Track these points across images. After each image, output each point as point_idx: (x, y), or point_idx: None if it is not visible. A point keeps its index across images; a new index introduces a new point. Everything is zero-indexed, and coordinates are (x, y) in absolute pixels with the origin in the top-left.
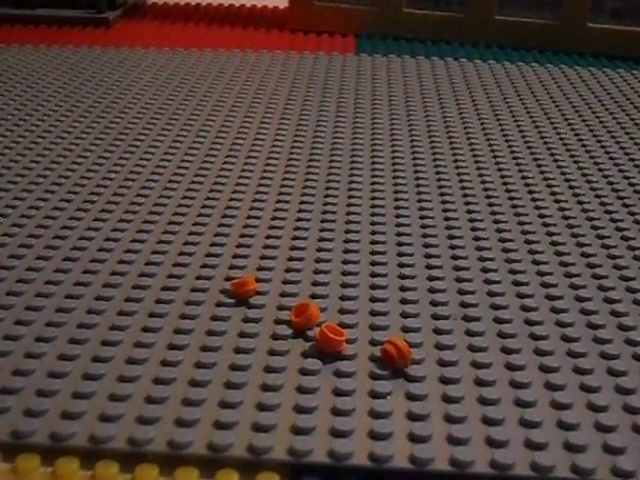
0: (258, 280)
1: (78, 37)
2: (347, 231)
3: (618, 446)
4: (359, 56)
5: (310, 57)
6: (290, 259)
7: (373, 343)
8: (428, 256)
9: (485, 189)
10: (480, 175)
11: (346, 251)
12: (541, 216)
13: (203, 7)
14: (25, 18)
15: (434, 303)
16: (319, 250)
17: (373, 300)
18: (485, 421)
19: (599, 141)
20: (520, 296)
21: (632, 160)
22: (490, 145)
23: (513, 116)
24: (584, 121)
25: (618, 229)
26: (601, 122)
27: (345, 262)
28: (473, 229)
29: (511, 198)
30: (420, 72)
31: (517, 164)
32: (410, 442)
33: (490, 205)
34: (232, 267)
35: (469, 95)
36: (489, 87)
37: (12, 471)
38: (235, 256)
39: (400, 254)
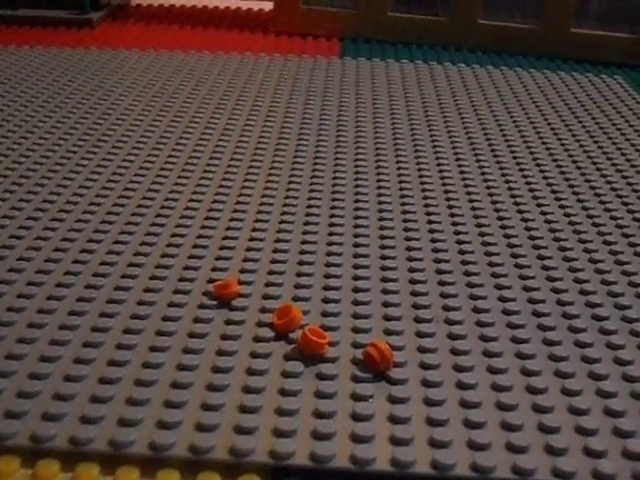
0: (240, 282)
1: (62, 38)
2: (330, 234)
3: (599, 449)
4: (343, 59)
5: (294, 60)
6: (273, 261)
7: (355, 346)
8: (411, 259)
9: (468, 193)
10: (463, 179)
11: (329, 254)
12: (524, 220)
13: (188, 9)
14: (8, 18)
15: (417, 306)
16: (302, 253)
17: (356, 303)
18: (467, 424)
19: (581, 145)
20: (502, 300)
21: (609, 159)
22: (473, 149)
23: (496, 120)
24: (567, 125)
25: (618, 226)
26: (584, 127)
27: (328, 265)
28: (456, 232)
29: (494, 202)
30: (404, 76)
31: (500, 168)
32: (392, 445)
33: (473, 209)
34: (215, 269)
35: (452, 99)
36: (472, 91)
37: None
38: (218, 258)
39: (383, 257)
